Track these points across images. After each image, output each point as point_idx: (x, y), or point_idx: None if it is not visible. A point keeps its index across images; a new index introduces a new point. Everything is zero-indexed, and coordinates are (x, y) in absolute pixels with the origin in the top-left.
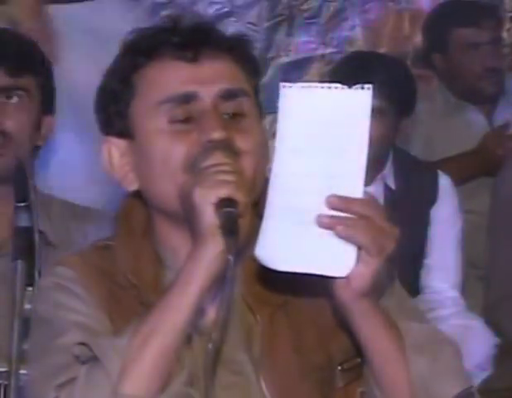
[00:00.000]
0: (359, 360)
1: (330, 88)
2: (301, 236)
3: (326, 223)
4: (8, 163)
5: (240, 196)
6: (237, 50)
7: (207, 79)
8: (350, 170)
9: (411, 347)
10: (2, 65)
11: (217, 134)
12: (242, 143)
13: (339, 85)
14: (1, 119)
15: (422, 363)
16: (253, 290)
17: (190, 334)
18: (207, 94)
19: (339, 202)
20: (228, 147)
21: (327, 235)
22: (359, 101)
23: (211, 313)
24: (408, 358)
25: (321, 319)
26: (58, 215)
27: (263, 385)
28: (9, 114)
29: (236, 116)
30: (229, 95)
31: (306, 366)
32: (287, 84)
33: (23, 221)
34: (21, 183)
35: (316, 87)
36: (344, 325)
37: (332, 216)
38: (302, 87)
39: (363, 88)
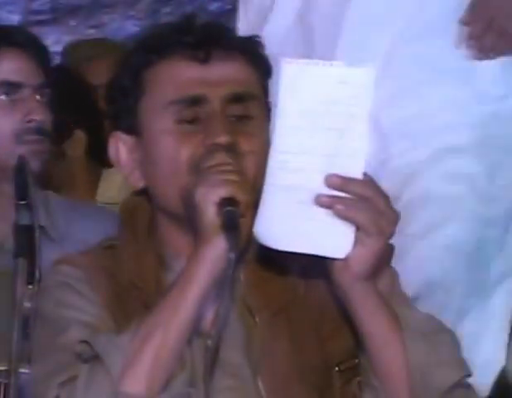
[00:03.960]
0: (356, 360)
1: (331, 65)
2: (299, 215)
3: (325, 202)
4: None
5: (242, 196)
6: (249, 51)
7: (216, 81)
8: (350, 149)
9: (409, 333)
10: (39, 62)
11: (222, 139)
12: (246, 145)
13: (341, 63)
14: (42, 117)
15: (420, 350)
16: (253, 293)
17: (190, 335)
18: (215, 96)
19: (339, 182)
20: (231, 149)
21: (326, 214)
22: (361, 79)
23: (211, 314)
24: (405, 344)
25: (320, 322)
26: (57, 211)
27: (261, 387)
28: (45, 112)
29: (243, 119)
30: (237, 99)
31: (303, 368)
32: (288, 59)
33: (24, 219)
34: (22, 181)
35: (318, 63)
36: (342, 326)
37: (332, 196)
38: (304, 63)
39: (365, 67)
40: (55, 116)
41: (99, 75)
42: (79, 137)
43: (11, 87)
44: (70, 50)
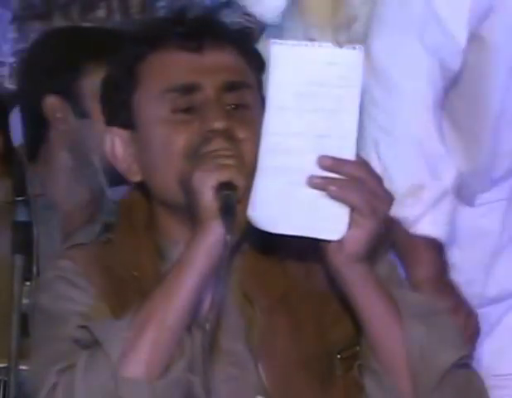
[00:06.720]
0: (357, 348)
1: (320, 46)
2: (292, 198)
3: (317, 183)
4: None
5: (240, 181)
6: (241, 43)
7: (211, 69)
8: (341, 131)
9: (407, 315)
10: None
11: (218, 124)
12: (243, 132)
13: (330, 44)
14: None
15: (418, 331)
16: (251, 282)
17: (190, 322)
18: (210, 84)
19: (331, 163)
20: (228, 135)
21: (319, 196)
22: (350, 60)
23: (210, 302)
24: (405, 325)
25: (321, 309)
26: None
27: (263, 375)
28: None
29: (239, 107)
30: (232, 87)
31: (305, 356)
32: (277, 40)
33: (22, 216)
34: (20, 177)
35: (307, 45)
36: (343, 313)
37: (324, 177)
38: (292, 44)
39: (354, 48)
40: None
41: None
42: None
43: None
44: None
